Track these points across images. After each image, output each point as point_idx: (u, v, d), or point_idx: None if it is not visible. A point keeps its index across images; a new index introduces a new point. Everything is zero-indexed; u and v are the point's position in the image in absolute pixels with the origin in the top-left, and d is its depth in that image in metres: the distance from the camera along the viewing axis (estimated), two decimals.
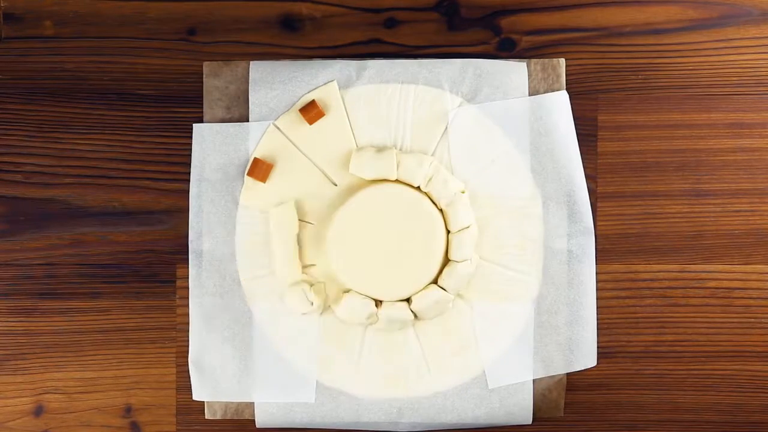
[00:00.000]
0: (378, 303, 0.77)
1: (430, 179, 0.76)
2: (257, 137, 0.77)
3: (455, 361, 0.78)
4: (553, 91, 0.77)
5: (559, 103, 0.76)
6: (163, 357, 0.79)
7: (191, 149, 0.78)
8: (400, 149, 0.77)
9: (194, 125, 0.77)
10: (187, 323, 0.79)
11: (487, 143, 0.77)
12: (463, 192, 0.76)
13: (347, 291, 0.77)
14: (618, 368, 0.79)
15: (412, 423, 0.78)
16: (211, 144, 0.77)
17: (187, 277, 0.78)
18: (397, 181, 0.77)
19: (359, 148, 0.76)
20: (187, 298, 0.79)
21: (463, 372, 0.78)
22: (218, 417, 0.78)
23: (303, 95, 0.77)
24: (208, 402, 0.78)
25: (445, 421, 0.78)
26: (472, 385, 0.78)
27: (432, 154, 0.77)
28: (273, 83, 0.77)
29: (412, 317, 0.77)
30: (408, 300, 0.77)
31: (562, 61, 0.77)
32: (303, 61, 0.78)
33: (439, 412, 0.78)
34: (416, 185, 0.76)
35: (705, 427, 0.79)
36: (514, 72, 0.77)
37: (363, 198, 0.76)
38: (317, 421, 0.78)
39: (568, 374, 0.78)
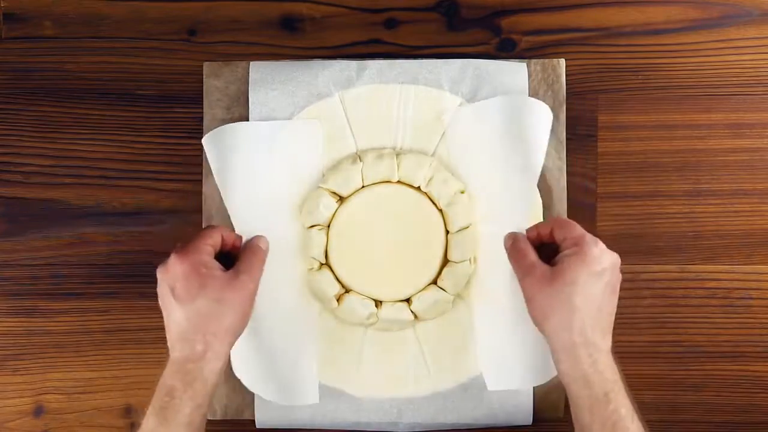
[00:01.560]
0: (378, 303, 0.77)
1: (430, 180, 0.76)
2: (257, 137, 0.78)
3: (455, 361, 0.78)
4: (553, 91, 0.77)
5: (539, 113, 0.76)
6: (163, 357, 0.79)
7: (194, 151, 0.78)
8: (400, 149, 0.77)
9: (203, 142, 0.77)
10: None
11: (487, 143, 0.77)
12: (462, 192, 0.77)
13: (347, 291, 0.77)
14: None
15: (411, 423, 0.78)
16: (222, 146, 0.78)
17: None
18: (397, 181, 0.77)
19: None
20: None
21: (463, 372, 0.78)
22: (218, 417, 0.78)
23: (304, 97, 0.77)
24: None
25: (445, 422, 0.78)
26: (471, 385, 0.78)
27: (432, 155, 0.77)
28: (273, 83, 0.77)
29: (412, 318, 0.77)
30: (408, 300, 0.77)
31: (562, 61, 0.77)
32: (303, 62, 0.78)
33: (438, 413, 0.78)
34: (416, 185, 0.76)
35: (705, 427, 0.79)
36: (514, 72, 0.77)
37: (363, 198, 0.76)
38: (317, 422, 0.78)
39: None
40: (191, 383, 0.66)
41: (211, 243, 0.70)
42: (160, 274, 0.69)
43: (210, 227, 0.72)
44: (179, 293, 0.67)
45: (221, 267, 0.69)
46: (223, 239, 0.72)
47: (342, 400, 0.78)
